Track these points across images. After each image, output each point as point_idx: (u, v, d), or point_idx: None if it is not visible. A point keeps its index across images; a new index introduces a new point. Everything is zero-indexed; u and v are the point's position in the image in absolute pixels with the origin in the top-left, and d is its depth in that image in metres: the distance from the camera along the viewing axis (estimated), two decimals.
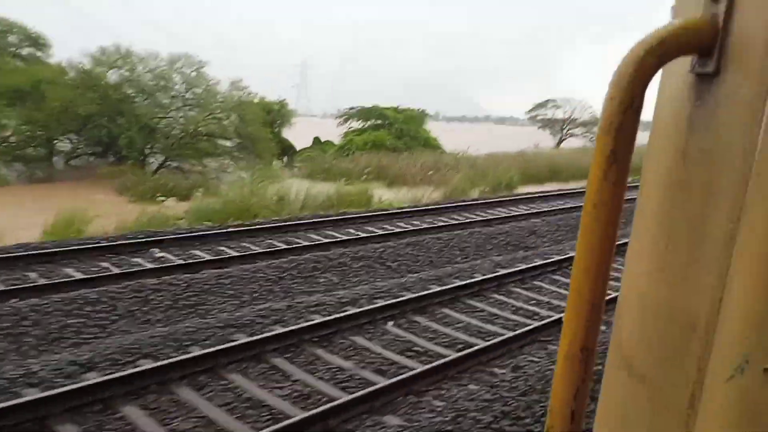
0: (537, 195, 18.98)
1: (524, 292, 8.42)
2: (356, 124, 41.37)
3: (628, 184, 0.68)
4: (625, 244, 0.85)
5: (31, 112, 24.63)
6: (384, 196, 20.74)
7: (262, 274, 8.51)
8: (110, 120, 24.73)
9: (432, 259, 10.67)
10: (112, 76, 26.62)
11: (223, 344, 5.76)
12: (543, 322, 7.02)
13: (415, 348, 6.26)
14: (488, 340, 6.48)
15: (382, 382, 5.33)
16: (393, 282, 8.47)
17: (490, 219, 13.79)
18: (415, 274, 9.18)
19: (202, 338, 5.98)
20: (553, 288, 8.71)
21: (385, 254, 10.29)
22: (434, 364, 5.72)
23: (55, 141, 27.17)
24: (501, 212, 15.09)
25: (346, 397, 4.96)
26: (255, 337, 5.93)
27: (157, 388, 5.08)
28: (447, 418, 4.76)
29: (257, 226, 11.57)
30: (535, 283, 8.91)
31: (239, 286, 8.05)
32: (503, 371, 5.82)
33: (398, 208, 14.93)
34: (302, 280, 8.74)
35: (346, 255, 9.85)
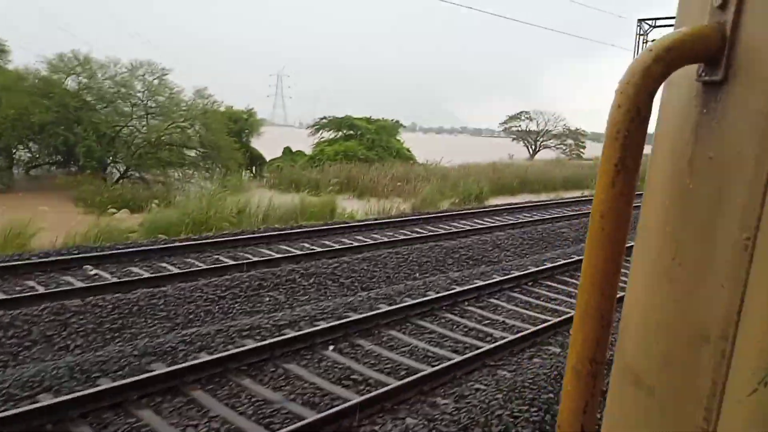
0: (505, 207, 18.65)
1: (479, 311, 7.97)
2: (328, 135, 40.96)
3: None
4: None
5: None
6: (351, 207, 20.27)
7: (200, 294, 7.95)
8: (67, 128, 23.89)
9: (389, 275, 10.21)
10: (71, 83, 25.84)
11: (137, 375, 5.21)
12: (494, 344, 6.58)
13: (354, 376, 5.75)
14: (434, 365, 6.02)
15: (310, 416, 4.82)
16: (340, 301, 7.97)
17: (454, 232, 13.38)
18: (366, 293, 8.70)
19: (114, 368, 5.41)
20: (510, 306, 8.28)
21: (338, 270, 9.80)
22: (371, 394, 5.22)
23: (14, 150, 26.27)
24: (465, 225, 14.68)
25: None
26: (174, 367, 5.39)
27: (53, 429, 4.51)
28: None
29: (207, 240, 11.00)
30: (491, 300, 8.47)
31: (173, 307, 7.49)
32: (445, 401, 5.34)
33: (359, 221, 14.46)
34: (245, 299, 8.20)
35: (296, 271, 9.33)
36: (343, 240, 12.15)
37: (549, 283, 9.63)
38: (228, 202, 17.28)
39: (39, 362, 5.81)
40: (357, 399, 5.13)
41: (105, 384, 5.07)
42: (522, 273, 9.66)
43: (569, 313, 7.91)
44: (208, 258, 10.03)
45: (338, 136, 40.19)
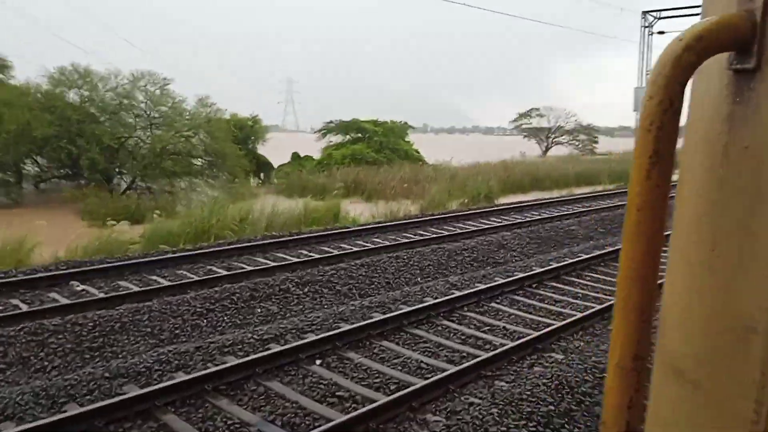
0: (512, 206, 18.22)
1: (478, 317, 7.58)
2: (336, 138, 40.73)
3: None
4: None
5: None
6: (357, 211, 19.96)
7: (187, 307, 7.64)
8: (70, 141, 23.82)
9: (388, 281, 9.86)
10: (73, 96, 25.80)
11: (107, 400, 4.90)
12: (492, 353, 6.19)
13: (339, 393, 5.40)
14: (427, 378, 5.65)
15: None
16: (333, 311, 7.62)
17: (458, 234, 12.99)
18: (360, 300, 8.34)
19: (83, 392, 5.10)
20: (512, 310, 7.88)
21: (335, 277, 9.46)
22: (356, 413, 4.87)
23: (22, 165, 26.31)
24: (471, 226, 14.28)
25: None
26: (147, 389, 5.07)
27: None
28: None
29: (201, 251, 10.71)
30: (492, 305, 8.08)
31: (159, 323, 7.19)
32: (437, 418, 4.97)
33: (360, 225, 14.13)
34: (235, 311, 7.88)
35: (291, 280, 9.00)
36: (342, 245, 11.81)
37: (554, 284, 9.21)
38: (230, 210, 17.01)
39: (13, 386, 5.53)
40: (340, 418, 4.79)
41: (71, 410, 4.77)
42: (526, 274, 9.25)
43: (574, 315, 7.51)
44: (200, 269, 9.73)
45: (346, 139, 39.99)
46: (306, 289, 8.89)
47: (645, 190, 0.66)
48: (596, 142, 65.26)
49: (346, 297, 9.01)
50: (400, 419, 4.99)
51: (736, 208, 0.68)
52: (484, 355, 6.16)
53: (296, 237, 12.05)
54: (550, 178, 33.32)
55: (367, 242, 12.18)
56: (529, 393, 5.28)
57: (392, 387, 5.56)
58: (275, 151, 37.09)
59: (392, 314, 7.21)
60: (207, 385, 5.28)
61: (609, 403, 0.72)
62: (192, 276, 9.23)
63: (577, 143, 65.75)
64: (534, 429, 4.81)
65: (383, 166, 32.94)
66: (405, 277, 10.15)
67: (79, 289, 8.40)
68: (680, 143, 0.73)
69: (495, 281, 8.97)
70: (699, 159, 0.74)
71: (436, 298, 8.10)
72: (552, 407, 5.14)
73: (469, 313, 7.70)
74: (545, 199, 20.34)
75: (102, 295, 8.12)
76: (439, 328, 7.18)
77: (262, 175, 34.71)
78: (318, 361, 6.03)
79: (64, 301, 7.78)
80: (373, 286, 9.57)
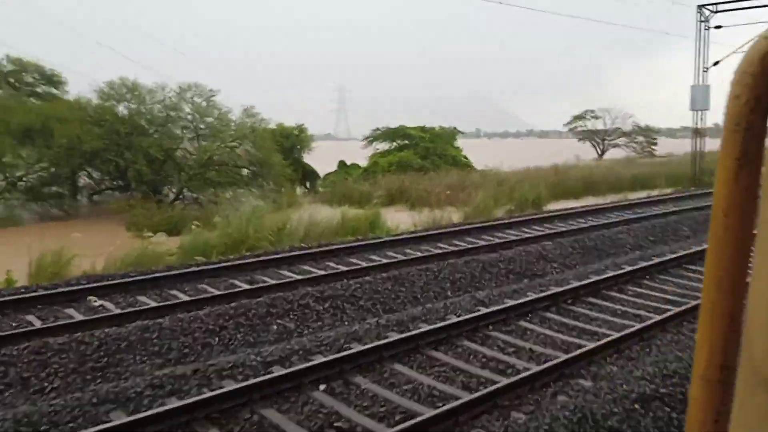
0: (559, 213, 17.42)
1: (503, 337, 7.04)
2: (384, 146, 40.52)
3: None
4: None
5: (42, 149, 24.57)
6: (398, 220, 19.55)
7: (199, 325, 7.39)
8: (117, 154, 24.33)
9: (415, 295, 9.41)
10: (122, 110, 26.40)
11: (86, 429, 4.62)
12: (513, 379, 5.66)
13: (338, 423, 4.98)
14: (436, 407, 5.17)
15: None
16: (344, 330, 7.20)
17: (495, 244, 12.39)
18: (384, 317, 7.90)
19: (66, 420, 4.85)
20: (541, 330, 7.29)
21: (359, 292, 9.06)
22: None
23: (77, 177, 27.11)
24: (510, 235, 13.65)
25: None
26: (133, 417, 4.78)
27: None
28: None
29: (229, 263, 10.51)
30: (520, 324, 7.51)
31: (168, 341, 6.95)
32: None
33: (394, 236, 13.69)
34: (249, 329, 7.58)
35: (311, 295, 8.65)
36: (372, 257, 11.41)
37: (592, 299, 8.55)
38: (267, 220, 16.88)
39: (8, 408, 5.35)
40: None
41: None
42: (562, 289, 8.62)
43: (609, 336, 6.87)
44: (222, 283, 9.50)
45: (392, 146, 39.71)
46: (327, 305, 8.52)
47: (732, 193, 0.65)
48: (655, 144, 62.90)
49: (369, 313, 8.61)
50: None
51: None
52: (504, 382, 5.63)
53: (325, 249, 11.71)
54: (605, 182, 32.10)
55: (398, 253, 11.74)
56: (546, 428, 4.73)
57: (397, 417, 5.11)
58: (326, 160, 37.19)
59: (409, 334, 6.75)
60: (197, 413, 4.95)
61: (693, 416, 0.70)
62: (212, 291, 9.00)
63: (634, 145, 63.58)
64: None
65: (429, 172, 32.50)
66: (434, 291, 9.66)
67: (96, 304, 8.27)
68: None
69: (527, 297, 8.38)
70: None
71: (459, 315, 7.59)
72: None
73: (494, 333, 7.16)
74: (594, 205, 19.43)
75: (118, 311, 7.96)
76: (459, 349, 6.67)
77: (308, 183, 34.80)
78: (322, 386, 5.63)
79: (79, 317, 7.65)
80: (398, 300, 9.14)
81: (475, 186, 27.55)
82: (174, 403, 5.07)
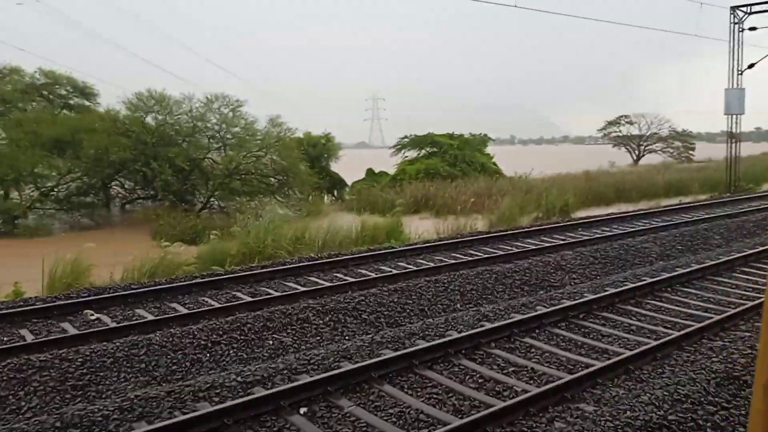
0: (584, 221, 16.81)
1: (505, 355, 6.62)
2: (411, 153, 40.22)
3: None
4: None
5: (71, 161, 24.96)
6: (423, 227, 19.20)
7: (191, 340, 7.16)
8: (144, 164, 24.56)
9: (423, 308, 9.07)
10: (150, 121, 26.67)
11: None
12: (508, 402, 5.25)
13: None
14: None
15: None
16: (336, 347, 6.87)
17: (512, 253, 11.94)
18: (386, 331, 7.57)
19: None
20: (547, 347, 6.85)
21: (363, 304, 8.75)
22: None
23: (109, 187, 27.49)
24: (529, 244, 13.17)
25: None
26: None
27: None
28: None
29: (234, 275, 10.30)
30: (525, 340, 7.08)
31: (156, 357, 6.73)
32: None
33: (409, 245, 13.33)
34: (243, 344, 7.33)
35: (312, 308, 8.36)
36: (383, 267, 11.08)
37: (606, 314, 8.06)
38: (285, 229, 16.70)
39: None
40: None
41: None
42: (573, 302, 8.15)
43: (620, 354, 6.40)
44: (224, 295, 9.29)
45: (420, 154, 39.38)
46: (327, 318, 8.23)
47: None
48: (693, 149, 61.18)
49: (372, 326, 8.29)
50: None
51: None
52: (498, 405, 5.23)
53: (335, 259, 11.42)
54: (637, 188, 31.20)
55: (410, 264, 11.39)
56: None
57: None
58: (358, 168, 37.10)
59: (404, 351, 6.39)
60: None
61: (755, 427, 0.84)
62: (213, 303, 8.79)
63: (671, 150, 61.96)
64: None
65: (457, 179, 32.08)
66: (442, 303, 9.29)
67: (92, 318, 8.13)
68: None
69: (536, 311, 7.94)
70: None
71: (461, 331, 7.20)
72: None
73: (496, 350, 6.75)
74: (622, 213, 18.75)
75: (113, 324, 7.80)
76: (456, 369, 6.28)
77: (335, 192, 34.68)
78: (302, 410, 5.32)
79: (73, 331, 7.50)
80: (404, 314, 8.79)
81: (503, 193, 27.05)
82: (144, 427, 4.82)
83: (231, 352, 7.12)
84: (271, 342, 7.49)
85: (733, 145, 25.80)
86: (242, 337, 7.43)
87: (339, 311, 8.46)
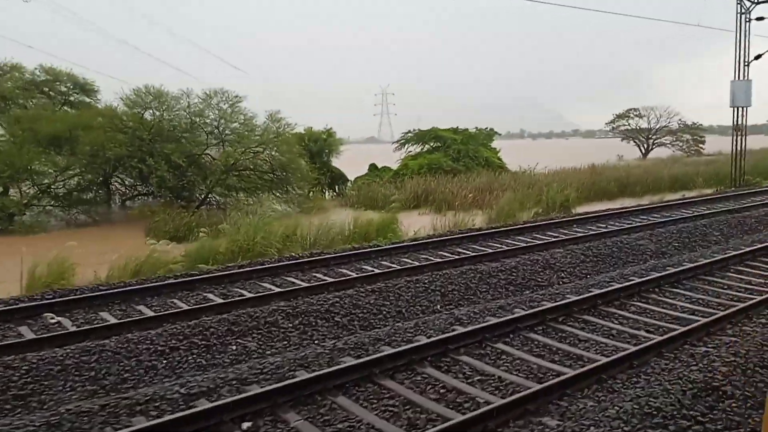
0: (582, 217, 16.40)
1: (472, 362, 6.26)
2: (415, 148, 39.84)
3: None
4: None
5: (68, 157, 24.80)
6: (420, 223, 18.85)
7: (148, 346, 6.86)
8: (140, 161, 24.31)
9: (400, 310, 8.73)
10: (148, 117, 26.43)
11: None
12: (467, 416, 4.90)
13: None
14: None
15: None
16: (293, 355, 6.53)
17: (499, 251, 11.55)
18: (353, 336, 7.23)
19: None
20: (519, 354, 6.48)
21: (337, 306, 8.42)
22: None
23: (110, 183, 27.30)
24: (520, 241, 12.79)
25: None
26: None
27: None
28: None
29: (210, 275, 10.00)
30: (498, 346, 6.71)
31: (108, 365, 6.42)
32: None
33: (395, 243, 12.96)
34: (204, 350, 7.02)
35: (282, 310, 8.04)
36: (365, 267, 10.74)
37: (587, 317, 7.67)
38: (276, 226, 16.40)
39: None
40: None
41: None
42: (553, 304, 7.77)
43: (597, 361, 6.03)
44: (195, 297, 8.99)
45: (424, 149, 39.00)
46: (297, 321, 7.90)
47: None
48: (703, 142, 60.25)
49: (345, 330, 7.96)
50: None
51: None
52: (455, 420, 4.88)
53: (317, 258, 11.09)
54: (642, 183, 30.66)
55: (393, 262, 11.04)
56: None
57: None
58: (365, 162, 36.81)
59: (366, 359, 6.05)
60: None
61: None
62: (181, 305, 8.49)
63: (681, 144, 61.06)
64: None
65: (459, 174, 31.70)
66: (421, 305, 8.94)
67: (53, 321, 7.84)
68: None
69: (513, 314, 7.57)
70: None
71: (430, 336, 6.85)
72: None
73: (464, 357, 6.39)
74: (621, 208, 18.26)
75: (73, 329, 7.52)
76: (419, 378, 5.93)
77: (336, 187, 34.33)
78: (245, 425, 4.99)
79: (30, 336, 7.22)
80: (379, 316, 8.46)
81: (504, 188, 26.66)
82: None
83: (190, 358, 6.80)
84: (234, 347, 7.18)
85: (739, 138, 25.15)
86: (203, 343, 7.12)
87: (311, 314, 8.13)
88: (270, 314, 7.91)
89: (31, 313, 8.05)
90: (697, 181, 29.22)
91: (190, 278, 9.70)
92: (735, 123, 25.08)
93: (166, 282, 9.50)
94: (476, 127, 42.72)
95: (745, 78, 23.50)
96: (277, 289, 9.19)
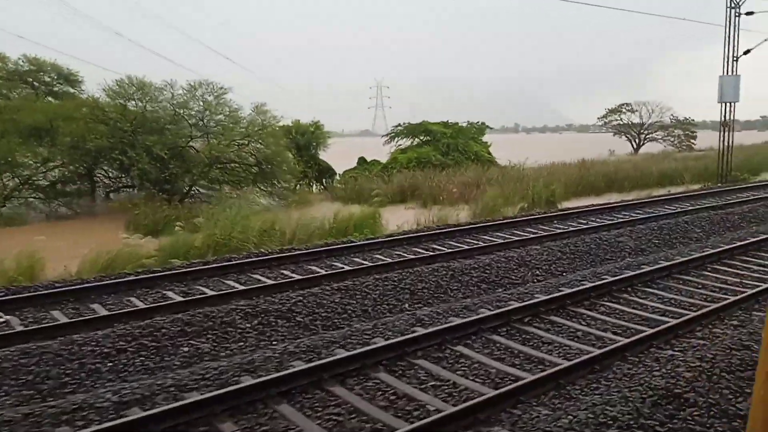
0: (564, 213, 16.15)
1: (429, 366, 5.99)
2: (405, 142, 39.58)
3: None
4: None
5: (49, 149, 24.41)
6: (403, 218, 18.59)
7: (94, 347, 6.56)
8: (122, 153, 23.92)
9: (366, 309, 8.44)
10: (132, 108, 26.01)
11: None
12: (414, 425, 4.64)
13: None
14: None
15: None
16: (239, 359, 6.26)
17: (475, 248, 11.28)
18: (312, 338, 6.96)
19: None
20: (479, 357, 6.21)
21: (299, 305, 8.14)
22: None
23: (94, 175, 26.88)
24: (498, 238, 12.53)
25: None
26: None
27: None
28: None
29: (175, 271, 9.73)
30: (457, 348, 6.44)
31: (48, 368, 6.12)
32: None
33: (370, 238, 12.68)
34: (153, 352, 6.72)
35: (240, 310, 7.75)
36: (336, 264, 10.47)
37: (555, 317, 7.42)
38: (254, 220, 16.12)
39: None
40: None
41: None
42: (520, 304, 7.51)
43: (558, 365, 5.77)
44: (155, 295, 8.69)
45: (414, 143, 38.74)
46: (256, 322, 7.61)
47: None
48: (694, 137, 60.18)
49: (306, 330, 7.67)
50: None
51: None
52: (401, 430, 4.62)
53: (287, 254, 10.82)
54: (630, 178, 30.45)
55: (365, 259, 10.77)
56: None
57: None
58: (358, 155, 36.45)
59: (317, 363, 5.78)
60: None
61: (757, 414, 0.73)
62: (137, 304, 8.19)
63: (672, 139, 60.98)
64: None
65: (448, 169, 31.47)
66: (389, 303, 8.66)
67: (0, 321, 7.54)
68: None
69: (477, 314, 7.31)
70: None
71: (388, 338, 6.58)
72: None
73: (420, 361, 6.12)
74: (604, 204, 18.08)
75: (20, 328, 7.21)
76: (370, 383, 5.65)
77: (324, 181, 34.00)
78: None
79: None
80: (344, 315, 8.17)
81: (493, 183, 26.46)
82: None
83: (137, 361, 6.51)
84: (186, 349, 6.88)
85: (727, 133, 24.94)
86: (154, 344, 6.82)
87: (271, 313, 7.84)
88: (228, 314, 7.63)
89: None
90: (685, 176, 29.01)
91: (152, 275, 9.41)
92: (723, 119, 24.85)
93: (126, 279, 9.19)
94: (468, 121, 42.49)
95: (734, 73, 23.24)
96: (240, 287, 8.90)
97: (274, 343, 7.21)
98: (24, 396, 5.70)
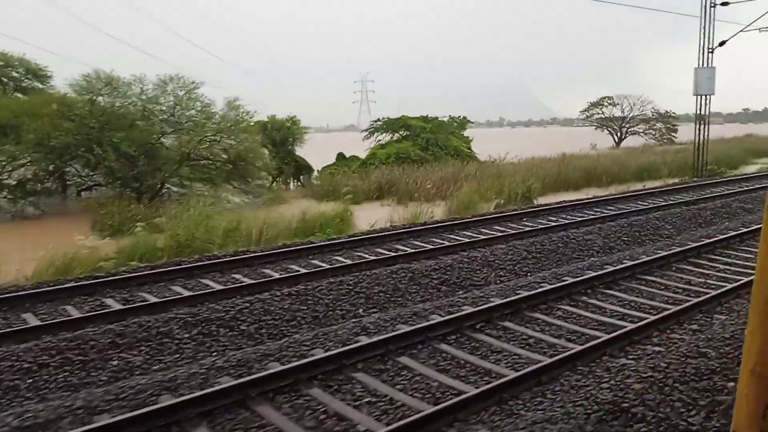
0: (536, 209, 15.83)
1: (367, 380, 5.62)
2: (384, 137, 39.22)
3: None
4: None
5: (14, 146, 23.71)
6: (376, 215, 18.20)
7: (13, 362, 6.12)
8: (88, 150, 23.28)
9: (317, 316, 8.03)
10: (101, 103, 25.36)
11: None
12: None
13: None
14: None
15: None
16: (157, 377, 5.85)
17: (438, 248, 10.93)
18: (263, 347, 6.57)
19: None
20: (422, 369, 5.84)
21: (245, 313, 7.73)
22: None
23: (64, 173, 26.17)
24: (464, 237, 12.18)
25: None
26: None
27: None
28: None
29: (119, 277, 9.26)
30: (400, 360, 6.07)
31: None
32: None
33: (330, 239, 12.27)
34: (79, 366, 6.28)
35: (178, 319, 7.33)
36: (291, 266, 10.07)
37: (508, 323, 7.07)
38: (218, 220, 15.68)
39: None
40: None
41: None
42: (472, 310, 7.16)
43: (504, 376, 5.42)
44: (93, 303, 8.24)
45: (393, 138, 38.37)
46: (195, 331, 7.19)
47: None
48: (675, 131, 60.29)
49: (250, 340, 7.26)
50: None
51: None
52: None
53: (242, 256, 10.40)
54: (608, 172, 30.28)
55: (324, 261, 10.38)
56: None
57: None
58: (342, 151, 36.03)
59: (246, 379, 5.38)
60: None
61: (741, 411, 0.80)
62: (71, 313, 7.73)
63: (653, 132, 61.06)
64: None
65: (426, 164, 31.12)
66: (343, 309, 8.27)
67: None
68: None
69: (428, 320, 6.95)
70: None
71: (328, 349, 6.20)
72: None
73: (359, 374, 5.74)
74: (575, 200, 17.77)
75: None
76: (301, 401, 5.27)
77: (302, 178, 33.51)
78: None
79: None
80: (293, 323, 7.77)
81: (470, 178, 26.16)
82: None
83: (60, 377, 6.07)
84: (115, 363, 6.46)
85: (702, 127, 24.78)
86: (80, 358, 6.39)
87: (213, 322, 7.43)
88: (165, 323, 7.21)
89: None
90: (664, 170, 28.89)
91: (95, 281, 8.95)
92: (698, 112, 24.68)
93: (64, 285, 8.73)
94: (449, 116, 42.23)
95: (710, 65, 23.06)
96: (186, 293, 8.47)
97: (214, 354, 6.81)
98: None
